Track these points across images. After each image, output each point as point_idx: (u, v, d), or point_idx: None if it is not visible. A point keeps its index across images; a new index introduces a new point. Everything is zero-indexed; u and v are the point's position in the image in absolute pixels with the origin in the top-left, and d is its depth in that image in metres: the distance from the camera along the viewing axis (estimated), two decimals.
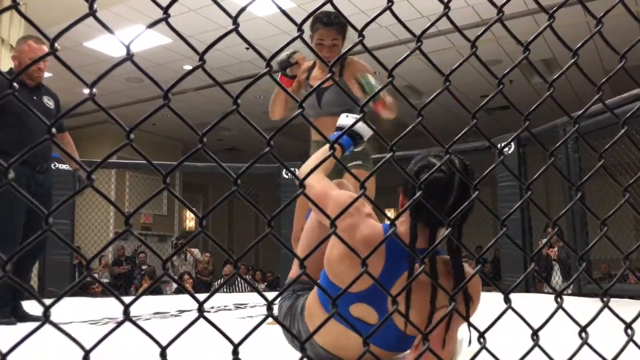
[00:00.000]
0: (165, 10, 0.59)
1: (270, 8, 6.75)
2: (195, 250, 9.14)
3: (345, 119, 1.81)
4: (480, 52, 0.87)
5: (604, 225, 0.87)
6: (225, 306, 4.16)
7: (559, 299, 0.85)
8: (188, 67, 8.90)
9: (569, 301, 3.21)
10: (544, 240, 6.29)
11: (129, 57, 0.60)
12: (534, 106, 0.84)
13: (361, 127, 1.70)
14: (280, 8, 0.76)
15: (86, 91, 0.60)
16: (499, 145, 5.74)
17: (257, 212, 0.78)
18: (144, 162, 0.72)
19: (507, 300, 0.82)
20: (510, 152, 5.68)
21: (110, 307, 3.82)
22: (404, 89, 9.73)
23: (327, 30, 2.68)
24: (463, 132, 0.82)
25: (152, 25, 0.66)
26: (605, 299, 0.87)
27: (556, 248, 6.15)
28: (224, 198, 0.64)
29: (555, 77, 0.83)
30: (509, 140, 4.92)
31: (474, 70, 8.03)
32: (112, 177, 10.52)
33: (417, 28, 0.81)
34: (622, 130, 0.87)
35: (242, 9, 0.64)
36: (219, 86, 0.71)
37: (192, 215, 13.16)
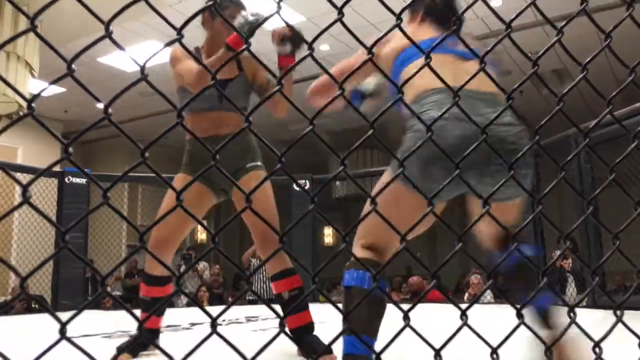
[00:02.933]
0: (179, 31, 0.60)
1: (280, 21, 6.79)
2: (202, 264, 9.11)
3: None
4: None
5: (617, 239, 0.86)
6: (236, 319, 4.16)
7: (571, 314, 0.85)
8: None
9: (584, 314, 3.16)
10: (557, 252, 6.23)
11: (143, 77, 0.61)
12: (543, 121, 0.85)
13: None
14: (287, 23, 0.77)
15: (100, 106, 0.61)
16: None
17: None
18: (157, 175, 0.73)
19: (519, 315, 0.82)
20: None
21: (123, 320, 3.83)
22: None
23: (237, 9, 2.28)
24: (475, 145, 0.83)
25: (168, 44, 0.67)
26: (619, 313, 0.87)
27: (570, 260, 6.08)
28: (235, 216, 0.64)
29: (565, 91, 0.83)
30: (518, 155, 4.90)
31: None
32: (124, 190, 10.60)
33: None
34: (633, 145, 0.87)
35: (259, 24, 0.65)
36: (229, 102, 0.72)
37: (200, 228, 13.16)
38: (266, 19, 1.53)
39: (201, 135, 2.29)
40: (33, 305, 6.43)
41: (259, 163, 2.39)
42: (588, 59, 0.86)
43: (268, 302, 0.73)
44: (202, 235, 13.33)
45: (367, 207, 1.26)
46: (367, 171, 9.29)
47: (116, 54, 7.82)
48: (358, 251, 1.49)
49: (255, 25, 1.93)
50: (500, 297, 7.39)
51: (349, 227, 0.91)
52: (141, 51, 7.48)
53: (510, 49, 7.79)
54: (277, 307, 2.38)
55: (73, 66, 0.59)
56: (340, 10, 0.75)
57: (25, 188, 0.55)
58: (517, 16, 0.86)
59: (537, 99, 9.55)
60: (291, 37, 2.13)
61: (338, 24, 0.76)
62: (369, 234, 1.49)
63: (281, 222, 2.36)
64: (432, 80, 1.04)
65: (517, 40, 0.93)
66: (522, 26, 6.70)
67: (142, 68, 0.62)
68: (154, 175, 0.67)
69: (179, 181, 2.42)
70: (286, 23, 2.37)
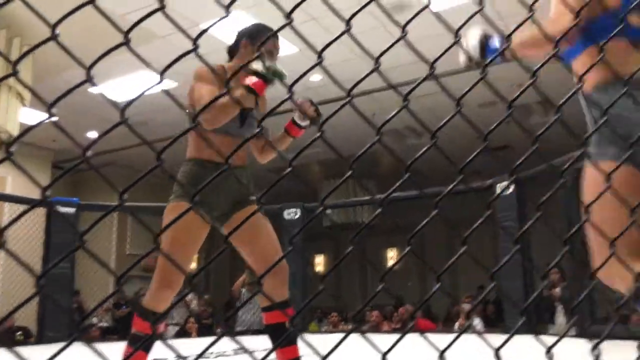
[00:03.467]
0: (195, 41, 0.62)
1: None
2: (190, 294, 8.96)
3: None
4: (476, 94, 0.91)
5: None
6: (224, 352, 4.10)
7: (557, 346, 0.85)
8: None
9: (572, 344, 3.16)
10: (545, 282, 6.23)
11: (123, 121, 0.63)
12: (523, 157, 0.87)
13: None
14: (313, 103, 0.79)
15: (90, 134, 0.62)
16: (497, 186, 5.78)
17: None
18: (147, 205, 0.74)
19: (496, 354, 0.83)
20: (509, 192, 5.70)
21: (111, 352, 3.75)
22: (404, 130, 9.83)
23: (277, 40, 2.39)
24: (471, 155, 0.84)
25: (163, 71, 0.69)
26: (596, 351, 0.87)
27: (558, 288, 6.09)
28: (222, 250, 0.65)
29: (539, 132, 0.86)
30: (508, 183, 4.95)
31: (472, 112, 8.14)
32: (114, 219, 10.52)
33: (410, 74, 0.84)
34: (561, 181, 0.89)
35: (247, 63, 0.67)
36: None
37: (195, 256, 13.05)
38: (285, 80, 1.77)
39: (217, 160, 2.27)
40: (17, 337, 6.30)
41: (255, 197, 2.43)
42: (563, 100, 0.89)
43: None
44: (192, 264, 13.21)
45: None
46: (357, 200, 9.33)
47: (107, 83, 7.86)
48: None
49: (281, 78, 2.07)
50: (492, 326, 7.35)
51: (338, 255, 0.92)
52: (132, 82, 7.53)
53: (495, 80, 7.95)
54: (266, 338, 2.35)
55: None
56: (320, 54, 0.77)
57: (82, 236, 0.56)
58: (541, 65, 0.89)
59: (525, 128, 9.66)
60: (313, 118, 2.31)
61: (330, 55, 0.78)
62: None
63: None
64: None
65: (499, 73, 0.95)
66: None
67: (122, 111, 0.63)
68: (144, 204, 0.68)
69: (179, 210, 2.22)
70: (312, 103, 2.37)
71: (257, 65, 2.05)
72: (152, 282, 2.24)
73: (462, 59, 1.84)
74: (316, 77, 7.82)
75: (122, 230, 10.89)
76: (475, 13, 0.86)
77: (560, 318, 5.90)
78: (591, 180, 1.53)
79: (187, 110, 2.36)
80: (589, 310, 4.75)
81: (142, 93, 0.69)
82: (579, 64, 1.62)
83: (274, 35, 2.31)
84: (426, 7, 0.87)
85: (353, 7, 0.84)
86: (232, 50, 2.48)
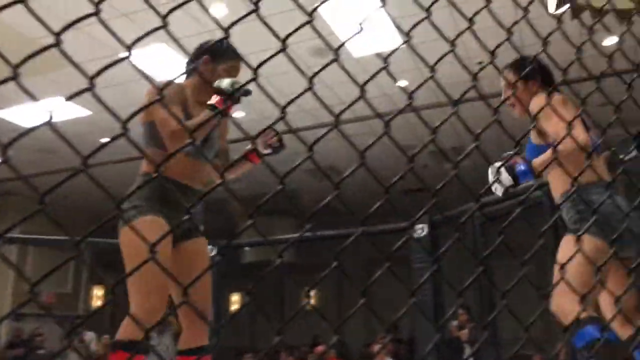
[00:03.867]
0: (129, 48, 0.60)
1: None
2: (88, 335, 8.25)
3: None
4: (395, 137, 0.94)
5: (503, 298, 0.92)
6: None
7: None
8: (104, 140, 8.69)
9: None
10: (455, 323, 6.44)
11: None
12: (427, 205, 0.91)
13: None
14: (277, 132, 0.79)
15: None
16: (415, 227, 5.96)
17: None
18: (50, 237, 0.70)
19: None
20: (423, 234, 5.90)
21: None
22: (326, 169, 9.96)
23: (239, 62, 2.30)
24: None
25: (75, 95, 0.66)
26: None
27: (466, 329, 6.30)
28: (130, 272, 0.62)
29: (440, 186, 0.90)
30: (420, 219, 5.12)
31: (392, 154, 8.43)
32: (13, 254, 9.79)
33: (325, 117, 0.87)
34: (512, 216, 0.95)
35: (169, 82, 0.66)
36: (141, 154, 0.71)
37: (99, 293, 12.35)
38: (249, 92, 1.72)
39: (178, 179, 2.14)
40: None
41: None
42: (460, 157, 0.94)
43: None
44: (98, 302, 12.47)
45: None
46: (275, 238, 9.27)
47: (14, 108, 7.46)
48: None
49: (245, 94, 1.98)
50: None
51: (258, 293, 0.90)
52: (42, 107, 7.19)
53: (415, 125, 8.32)
54: None
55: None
56: (255, 72, 0.78)
57: None
58: (416, 89, 0.94)
59: (438, 172, 10.14)
60: (275, 147, 2.28)
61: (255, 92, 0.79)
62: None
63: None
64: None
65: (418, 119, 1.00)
66: (424, 106, 7.19)
67: (4, 151, 0.60)
68: (47, 237, 0.64)
69: (153, 225, 2.00)
70: (277, 133, 2.35)
71: (223, 84, 1.99)
72: (131, 309, 1.96)
73: (500, 191, 2.26)
74: (240, 113, 7.85)
75: (22, 265, 10.15)
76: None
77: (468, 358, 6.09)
78: (569, 245, 2.14)
79: (142, 126, 2.21)
80: (495, 351, 4.94)
81: (70, 99, 0.66)
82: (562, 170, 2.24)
83: (237, 55, 2.26)
84: (334, 60, 0.90)
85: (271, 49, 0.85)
86: (190, 66, 2.32)
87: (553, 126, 2.07)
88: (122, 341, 1.94)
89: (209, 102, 2.00)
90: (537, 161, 2.21)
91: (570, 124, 1.48)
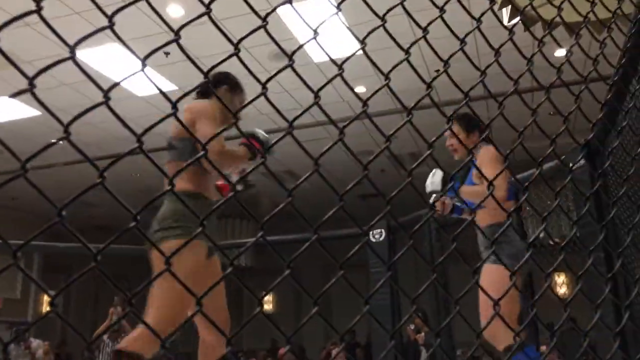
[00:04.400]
0: (31, 80, 0.57)
1: (150, 89, 6.73)
2: (35, 342, 7.92)
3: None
4: (354, 143, 0.94)
5: (457, 305, 0.93)
6: None
7: None
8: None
9: None
10: (412, 327, 6.51)
11: None
12: (382, 213, 0.91)
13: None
14: (159, 89, 0.77)
15: None
16: (373, 233, 6.00)
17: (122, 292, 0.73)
18: None
19: None
20: (381, 239, 5.95)
21: None
22: (283, 174, 9.96)
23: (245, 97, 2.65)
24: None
25: (15, 95, 0.63)
26: None
27: (423, 333, 6.38)
28: (82, 274, 0.60)
29: (394, 193, 0.91)
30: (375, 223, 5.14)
31: (348, 159, 8.49)
32: None
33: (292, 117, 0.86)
34: (472, 217, 0.96)
35: (115, 84, 0.64)
36: (86, 159, 0.69)
37: (49, 299, 11.94)
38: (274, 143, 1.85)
39: (210, 197, 2.34)
40: None
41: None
42: (413, 166, 0.95)
43: None
44: (47, 307, 12.04)
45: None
46: (234, 242, 9.18)
47: None
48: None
49: (271, 146, 2.16)
50: None
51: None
52: None
53: (372, 131, 8.40)
54: None
55: None
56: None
57: None
58: (370, 97, 0.94)
59: (396, 178, 10.25)
60: (247, 183, 2.53)
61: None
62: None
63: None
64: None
65: (378, 124, 1.00)
66: (381, 112, 7.26)
67: None
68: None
69: (193, 247, 2.04)
70: (244, 178, 2.58)
71: (260, 135, 2.37)
72: (151, 321, 1.92)
73: (429, 188, 2.87)
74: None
75: None
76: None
77: None
78: (492, 276, 2.37)
79: (172, 140, 2.34)
80: (451, 355, 5.02)
81: (12, 96, 0.62)
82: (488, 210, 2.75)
83: (242, 91, 2.58)
84: (289, 65, 0.89)
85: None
86: (206, 90, 2.46)
87: (488, 175, 2.53)
88: (129, 352, 1.93)
89: (244, 142, 2.33)
90: (468, 189, 2.81)
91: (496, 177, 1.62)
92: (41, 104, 0.58)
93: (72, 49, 0.60)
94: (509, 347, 2.35)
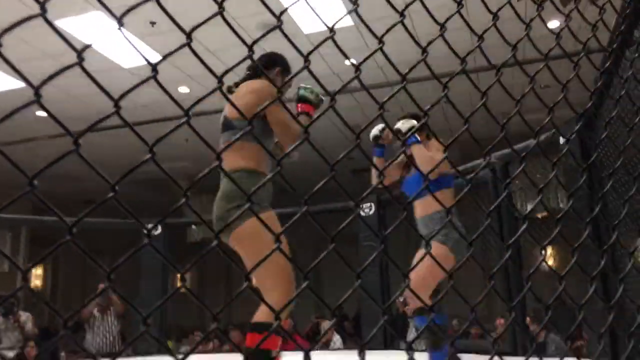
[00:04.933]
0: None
1: (137, 59, 6.60)
2: (24, 315, 7.93)
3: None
4: (345, 117, 0.90)
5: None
6: None
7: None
8: (42, 114, 8.31)
9: (424, 357, 3.34)
10: (401, 299, 6.55)
11: None
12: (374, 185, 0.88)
13: None
14: (146, 59, 0.72)
15: None
16: (363, 206, 6.00)
17: (98, 267, 0.70)
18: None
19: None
20: (371, 213, 5.95)
21: None
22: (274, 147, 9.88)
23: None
24: (321, 182, 0.83)
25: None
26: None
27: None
28: (55, 247, 0.56)
29: (387, 165, 0.87)
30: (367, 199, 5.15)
31: (342, 136, 8.45)
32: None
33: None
34: (467, 188, 0.93)
35: (86, 47, 0.59)
36: (62, 127, 0.64)
37: (38, 272, 11.94)
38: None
39: (266, 173, 2.39)
40: None
41: None
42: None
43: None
44: (37, 281, 12.04)
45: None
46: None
47: None
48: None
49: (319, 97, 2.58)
50: (350, 342, 7.56)
51: (203, 271, 0.85)
52: None
53: (364, 105, 8.35)
54: None
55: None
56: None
57: None
58: (363, 61, 0.89)
59: (389, 152, 10.22)
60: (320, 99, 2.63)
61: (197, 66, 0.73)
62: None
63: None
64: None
65: (368, 98, 0.97)
66: (372, 85, 7.21)
67: None
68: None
69: (272, 219, 2.26)
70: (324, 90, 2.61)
71: (310, 94, 2.51)
72: (272, 294, 2.09)
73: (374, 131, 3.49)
74: (184, 88, 7.64)
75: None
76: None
77: (412, 334, 6.23)
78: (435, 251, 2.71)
79: (234, 121, 2.40)
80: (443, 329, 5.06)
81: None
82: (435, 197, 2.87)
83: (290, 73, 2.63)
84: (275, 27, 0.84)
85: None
86: (259, 71, 2.49)
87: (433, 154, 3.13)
88: (262, 323, 2.11)
89: (302, 110, 2.49)
90: (419, 148, 3.14)
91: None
92: (11, 66, 0.54)
93: (42, 4, 0.55)
94: (419, 309, 3.10)
